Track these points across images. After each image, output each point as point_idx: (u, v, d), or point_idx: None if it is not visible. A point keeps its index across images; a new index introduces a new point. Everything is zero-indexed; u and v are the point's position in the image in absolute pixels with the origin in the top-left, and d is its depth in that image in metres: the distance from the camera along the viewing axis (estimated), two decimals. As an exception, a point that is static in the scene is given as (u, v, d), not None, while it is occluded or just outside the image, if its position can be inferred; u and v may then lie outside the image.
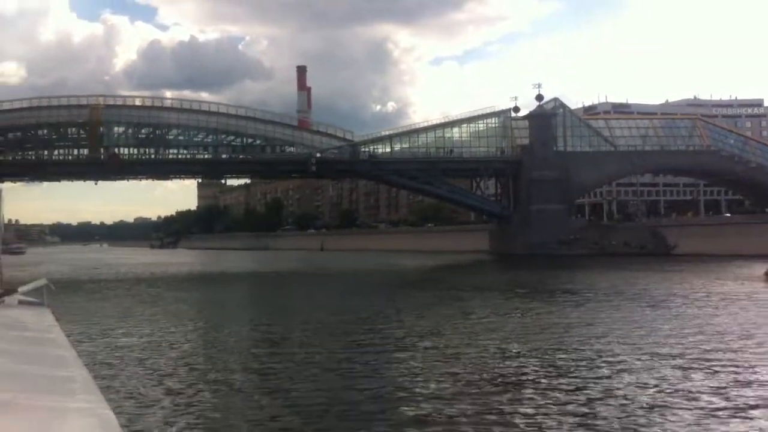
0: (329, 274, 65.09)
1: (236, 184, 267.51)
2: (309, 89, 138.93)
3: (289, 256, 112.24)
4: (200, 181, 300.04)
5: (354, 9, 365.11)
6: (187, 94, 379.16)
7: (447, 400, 14.15)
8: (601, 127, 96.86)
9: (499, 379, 16.12)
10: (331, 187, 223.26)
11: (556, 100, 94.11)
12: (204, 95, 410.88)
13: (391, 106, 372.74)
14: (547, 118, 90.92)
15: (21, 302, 12.02)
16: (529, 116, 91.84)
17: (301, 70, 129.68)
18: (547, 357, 18.65)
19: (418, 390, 15.20)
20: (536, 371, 16.89)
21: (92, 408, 4.93)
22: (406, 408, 13.74)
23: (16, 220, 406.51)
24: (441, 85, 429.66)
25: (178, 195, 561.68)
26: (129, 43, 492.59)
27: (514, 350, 19.99)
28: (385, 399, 14.67)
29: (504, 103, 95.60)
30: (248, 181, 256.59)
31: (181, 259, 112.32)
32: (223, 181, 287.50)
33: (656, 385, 15.00)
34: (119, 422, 4.65)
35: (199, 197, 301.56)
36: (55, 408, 4.95)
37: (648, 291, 36.69)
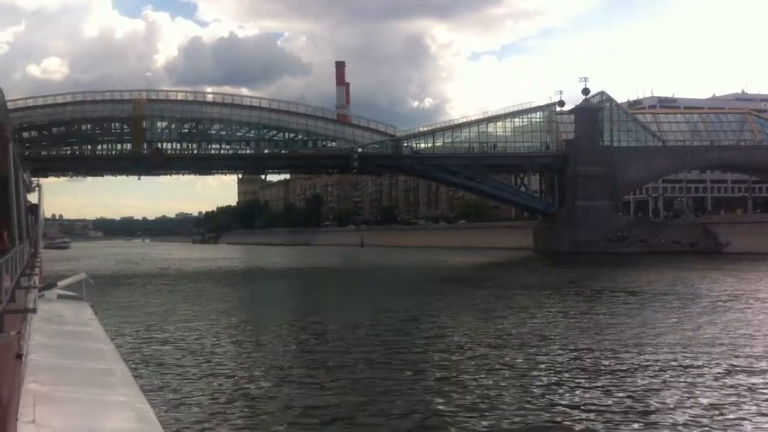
0: (373, 271, 64.12)
1: (276, 180, 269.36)
2: (347, 85, 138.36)
3: (329, 251, 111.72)
4: (240, 176, 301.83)
5: (391, 4, 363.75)
6: (227, 90, 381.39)
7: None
8: (649, 122, 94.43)
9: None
10: (371, 183, 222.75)
11: (602, 93, 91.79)
12: (244, 91, 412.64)
13: (428, 101, 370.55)
14: (594, 112, 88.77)
15: (60, 296, 12.27)
16: (575, 110, 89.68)
17: (340, 66, 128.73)
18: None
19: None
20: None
21: (130, 401, 4.98)
22: None
23: (60, 215, 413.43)
24: (479, 80, 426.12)
25: (218, 191, 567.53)
26: (170, 40, 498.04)
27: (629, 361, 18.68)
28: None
29: (542, 99, 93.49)
30: (288, 176, 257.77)
31: (222, 255, 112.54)
32: (263, 177, 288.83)
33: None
34: (156, 415, 4.62)
35: (240, 193, 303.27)
36: (94, 401, 4.97)
37: (711, 291, 35.05)
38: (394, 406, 13.70)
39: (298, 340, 23.00)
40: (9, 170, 9.05)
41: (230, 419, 12.77)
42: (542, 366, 17.22)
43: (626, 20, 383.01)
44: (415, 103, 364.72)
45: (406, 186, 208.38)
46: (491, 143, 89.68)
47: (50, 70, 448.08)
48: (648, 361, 17.49)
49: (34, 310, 7.58)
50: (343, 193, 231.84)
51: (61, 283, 13.79)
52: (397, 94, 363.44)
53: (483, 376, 16.20)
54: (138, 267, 76.65)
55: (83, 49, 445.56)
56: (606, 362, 17.46)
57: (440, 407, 13.58)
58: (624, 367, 16.78)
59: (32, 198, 18.24)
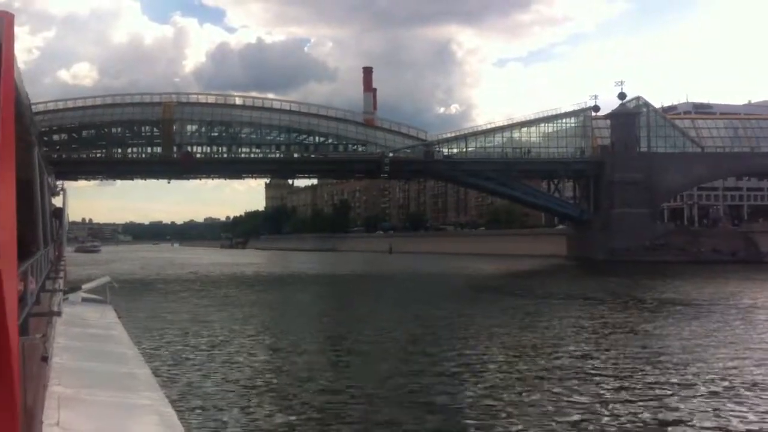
0: (404, 278, 62.58)
1: (303, 186, 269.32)
2: (375, 90, 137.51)
3: (357, 258, 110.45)
4: (268, 182, 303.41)
5: (418, 10, 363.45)
6: (254, 95, 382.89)
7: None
8: (687, 128, 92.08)
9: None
10: (398, 189, 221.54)
11: (639, 98, 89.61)
12: (270, 97, 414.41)
13: (454, 107, 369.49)
14: (631, 117, 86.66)
15: (84, 299, 12.45)
16: (611, 115, 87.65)
17: (368, 71, 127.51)
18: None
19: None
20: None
21: (154, 405, 5.05)
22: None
23: (90, 219, 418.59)
24: (505, 86, 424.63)
25: (245, 196, 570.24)
26: (198, 45, 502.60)
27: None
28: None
29: (568, 105, 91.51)
30: (316, 182, 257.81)
31: (251, 260, 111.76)
32: (290, 182, 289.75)
33: None
34: (180, 419, 4.64)
35: (267, 198, 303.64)
36: (118, 404, 5.07)
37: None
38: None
39: (328, 348, 21.89)
40: (34, 174, 8.84)
41: (254, 425, 12.58)
42: (611, 390, 15.64)
43: (655, 26, 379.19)
44: (441, 109, 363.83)
45: (434, 192, 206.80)
46: (525, 148, 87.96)
47: (80, 75, 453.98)
48: (734, 381, 15.84)
49: (59, 313, 7.63)
50: (370, 199, 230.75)
51: (85, 287, 13.99)
52: (423, 100, 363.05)
53: (545, 400, 14.65)
54: (167, 271, 75.93)
55: (113, 55, 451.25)
56: (687, 378, 15.86)
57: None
58: (709, 389, 15.15)
59: (57, 202, 17.94)
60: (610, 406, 13.69)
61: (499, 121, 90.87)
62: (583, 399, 14.23)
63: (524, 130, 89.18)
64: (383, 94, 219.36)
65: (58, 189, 18.96)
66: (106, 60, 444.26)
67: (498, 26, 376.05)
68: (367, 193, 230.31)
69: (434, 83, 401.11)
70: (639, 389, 15.15)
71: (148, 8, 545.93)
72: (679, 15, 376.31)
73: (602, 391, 14.97)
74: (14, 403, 2.16)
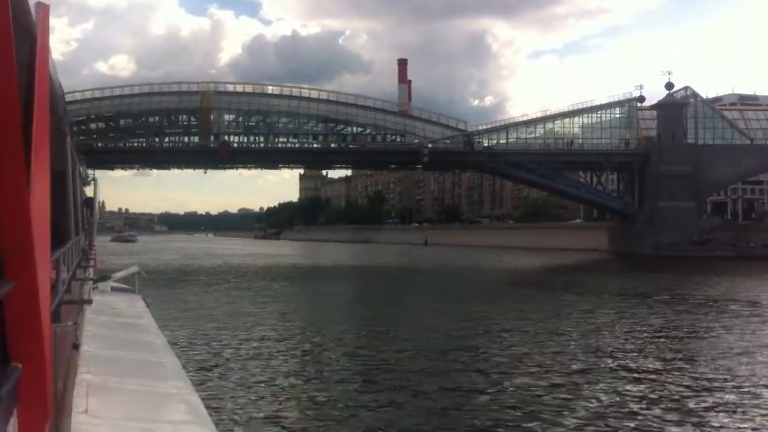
0: (443, 271, 61.10)
1: (337, 177, 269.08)
2: (410, 82, 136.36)
3: (392, 249, 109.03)
4: (302, 173, 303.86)
5: (453, 2, 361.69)
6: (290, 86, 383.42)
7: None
8: (735, 119, 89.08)
9: None
10: (433, 181, 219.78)
11: (687, 88, 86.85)
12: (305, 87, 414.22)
13: (488, 100, 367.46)
14: (678, 107, 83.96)
15: (114, 288, 12.74)
16: (658, 105, 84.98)
17: (402, 63, 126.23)
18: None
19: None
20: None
21: (181, 393, 5.17)
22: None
23: (126, 209, 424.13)
24: (540, 79, 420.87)
25: (279, 187, 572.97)
26: (234, 38, 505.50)
27: None
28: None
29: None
30: (349, 173, 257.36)
31: (286, 251, 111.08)
32: (324, 174, 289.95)
33: None
34: (206, 407, 4.79)
35: (301, 189, 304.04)
36: (146, 392, 5.16)
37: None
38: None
39: (361, 345, 20.53)
40: (67, 164, 8.77)
41: (280, 418, 12.26)
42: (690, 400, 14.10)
43: (695, 17, 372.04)
44: (475, 102, 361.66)
45: (469, 184, 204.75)
46: (567, 139, 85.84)
47: (117, 67, 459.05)
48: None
49: (89, 301, 7.71)
50: (405, 191, 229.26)
51: (114, 276, 14.15)
52: (457, 92, 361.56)
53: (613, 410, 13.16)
54: (203, 262, 75.40)
55: (150, 47, 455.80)
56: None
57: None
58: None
59: (88, 191, 17.82)
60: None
61: (539, 111, 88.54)
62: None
63: (566, 120, 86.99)
64: (417, 87, 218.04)
65: (89, 179, 19.06)
66: (143, 52, 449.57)
67: (533, 18, 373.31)
68: (401, 185, 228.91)
69: (468, 75, 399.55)
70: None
71: (185, 1, 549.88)
72: (719, 5, 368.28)
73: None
74: (46, 389, 2.17)
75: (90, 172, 22.24)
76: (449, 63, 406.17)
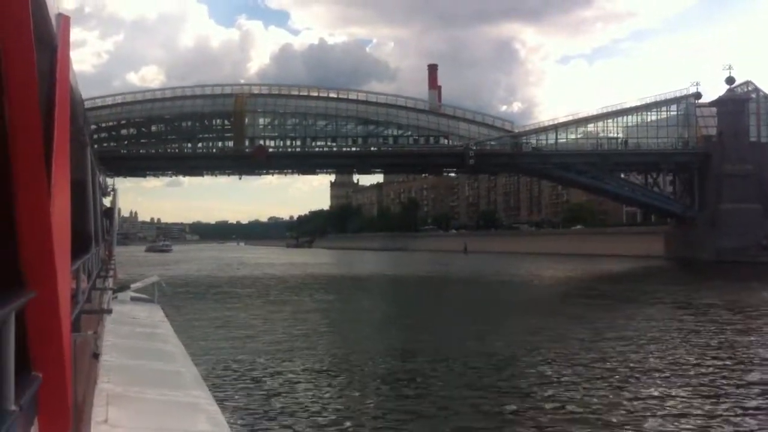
0: (495, 281, 56.38)
1: (368, 184, 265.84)
2: (440, 88, 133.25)
3: (431, 258, 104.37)
4: (333, 180, 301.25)
5: (480, 8, 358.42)
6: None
7: None
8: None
9: None
10: (467, 187, 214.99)
11: (748, 83, 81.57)
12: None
13: (516, 105, 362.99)
14: (741, 103, 78.70)
15: (133, 298, 13.20)
16: (718, 102, 79.68)
17: (432, 69, 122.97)
18: None
19: None
20: None
21: (199, 402, 5.24)
22: None
23: (158, 219, 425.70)
24: (569, 84, 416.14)
25: (308, 195, 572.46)
26: (263, 48, 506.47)
27: None
28: None
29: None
30: (381, 180, 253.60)
31: (319, 260, 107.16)
32: (356, 181, 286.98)
33: None
34: (225, 418, 4.76)
35: (332, 197, 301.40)
36: (165, 401, 5.18)
37: None
38: None
39: (395, 364, 18.28)
40: (86, 174, 7.86)
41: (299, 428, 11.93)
42: None
43: (724, 21, 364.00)
44: (503, 107, 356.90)
45: (505, 189, 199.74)
46: (621, 139, 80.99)
47: (148, 78, 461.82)
48: None
49: (109, 311, 7.65)
50: (438, 197, 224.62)
51: (133, 286, 14.20)
52: (484, 98, 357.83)
53: None
54: (240, 272, 71.82)
55: (180, 58, 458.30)
56: None
57: None
58: None
59: (108, 202, 17.41)
60: None
61: (570, 115, 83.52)
62: None
63: (620, 119, 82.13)
64: (445, 93, 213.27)
65: (109, 189, 18.96)
66: (174, 63, 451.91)
67: (560, 23, 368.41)
68: (434, 192, 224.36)
69: (496, 81, 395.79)
70: None
71: (215, 12, 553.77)
72: (746, 8, 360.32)
73: None
74: (66, 398, 2.21)
75: (110, 182, 22.11)
76: (476, 69, 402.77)
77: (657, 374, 16.37)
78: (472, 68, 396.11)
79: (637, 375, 16.30)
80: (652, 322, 26.11)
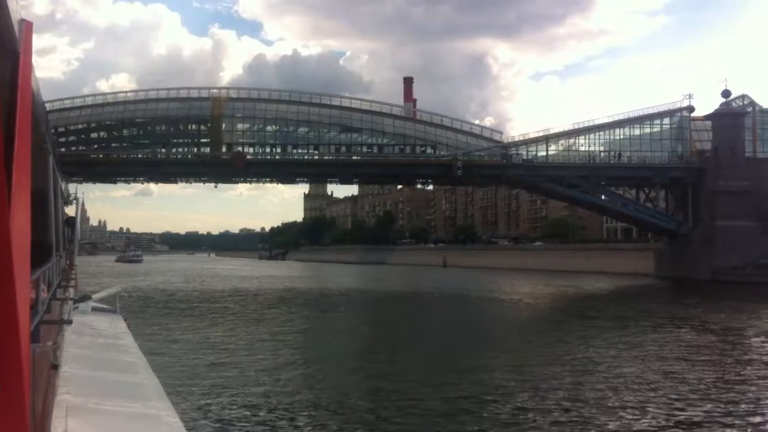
0: (484, 298, 52.95)
1: (343, 197, 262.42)
2: (415, 101, 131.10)
3: (410, 272, 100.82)
4: (306, 192, 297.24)
5: (453, 23, 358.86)
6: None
7: None
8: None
9: None
10: (444, 201, 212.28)
11: (744, 97, 79.36)
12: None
13: (488, 120, 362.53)
14: (737, 117, 76.33)
15: (94, 309, 12.86)
16: (714, 116, 77.19)
17: (408, 81, 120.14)
18: None
19: None
20: None
21: (161, 414, 5.03)
22: None
23: (128, 228, 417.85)
24: (540, 100, 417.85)
25: (281, 207, 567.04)
26: (235, 57, 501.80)
27: None
28: None
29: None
30: (356, 192, 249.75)
31: (293, 273, 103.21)
32: (330, 193, 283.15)
33: None
34: (186, 429, 4.56)
35: (306, 209, 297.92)
36: (126, 413, 5.06)
37: None
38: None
39: (365, 379, 18.41)
40: (48, 183, 7.78)
41: None
42: None
43: (697, 40, 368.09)
44: (476, 122, 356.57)
45: (483, 203, 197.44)
46: (614, 152, 78.29)
47: (119, 86, 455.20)
48: None
49: (69, 322, 7.38)
50: (414, 210, 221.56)
51: (95, 296, 14.02)
52: (457, 112, 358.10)
53: None
54: (213, 284, 67.69)
55: (152, 66, 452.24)
56: None
57: None
58: None
59: (70, 211, 16.91)
60: None
61: (580, 123, 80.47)
62: None
63: (617, 131, 79.41)
64: (419, 107, 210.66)
65: (71, 197, 18.59)
66: (145, 71, 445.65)
67: (533, 40, 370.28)
68: (410, 204, 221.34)
69: (469, 96, 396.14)
70: None
71: (188, 20, 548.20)
72: (722, 27, 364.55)
73: None
74: (24, 410, 2.18)
75: (72, 190, 21.35)
76: (450, 83, 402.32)
77: None
78: (445, 82, 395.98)
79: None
80: (656, 343, 22.87)
